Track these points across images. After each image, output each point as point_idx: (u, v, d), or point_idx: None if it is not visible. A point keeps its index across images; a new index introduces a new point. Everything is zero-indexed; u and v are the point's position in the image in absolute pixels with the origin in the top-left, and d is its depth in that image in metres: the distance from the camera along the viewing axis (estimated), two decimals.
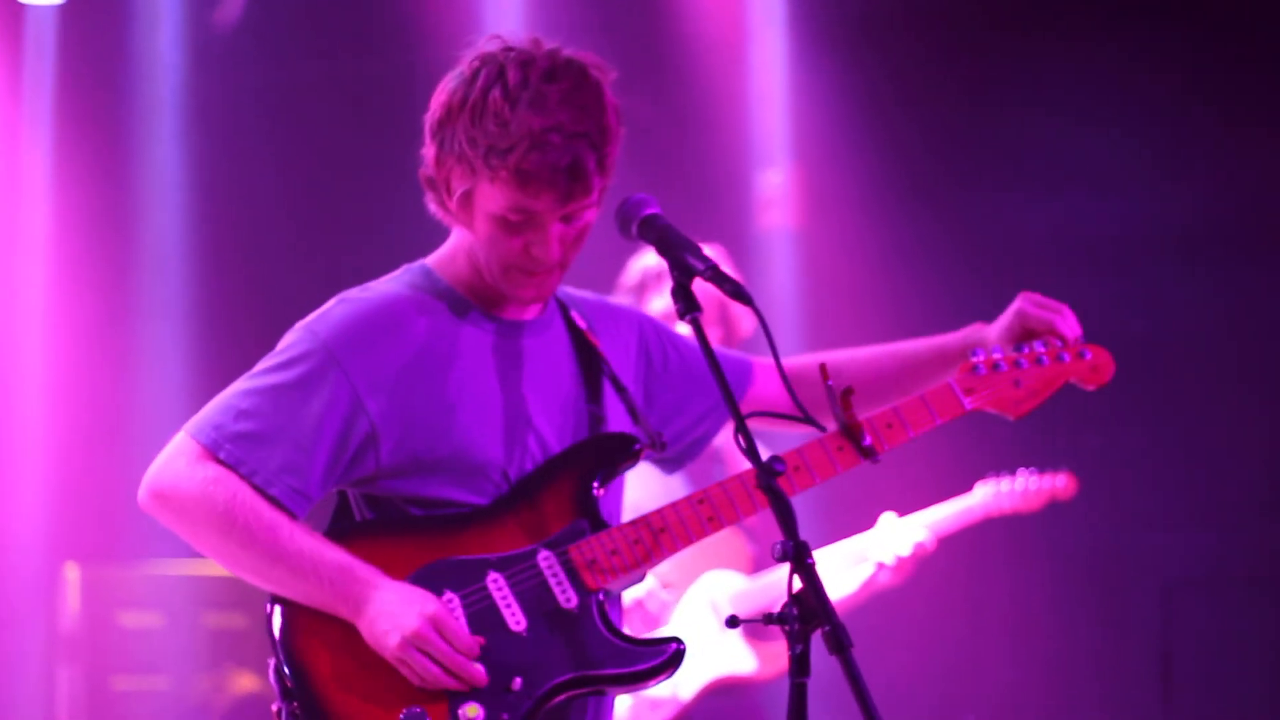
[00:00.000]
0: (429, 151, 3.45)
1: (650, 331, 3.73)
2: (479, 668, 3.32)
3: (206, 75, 8.51)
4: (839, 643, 2.97)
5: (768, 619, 3.06)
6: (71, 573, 7.72)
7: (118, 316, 8.42)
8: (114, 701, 7.65)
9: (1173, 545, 8.36)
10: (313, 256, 8.32)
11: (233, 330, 8.15)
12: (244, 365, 3.50)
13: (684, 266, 3.30)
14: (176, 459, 3.38)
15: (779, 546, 3.05)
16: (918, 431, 3.57)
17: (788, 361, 3.56)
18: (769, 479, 3.12)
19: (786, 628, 3.03)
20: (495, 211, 3.38)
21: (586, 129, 3.35)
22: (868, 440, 3.52)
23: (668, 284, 3.37)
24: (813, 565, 3.03)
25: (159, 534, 8.03)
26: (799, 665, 3.02)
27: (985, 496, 6.34)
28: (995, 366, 3.64)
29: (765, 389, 3.76)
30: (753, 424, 3.24)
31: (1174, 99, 8.11)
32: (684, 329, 3.40)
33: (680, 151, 8.21)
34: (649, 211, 3.39)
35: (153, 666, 7.73)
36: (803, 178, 8.62)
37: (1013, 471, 6.38)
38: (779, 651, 6.15)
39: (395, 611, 3.29)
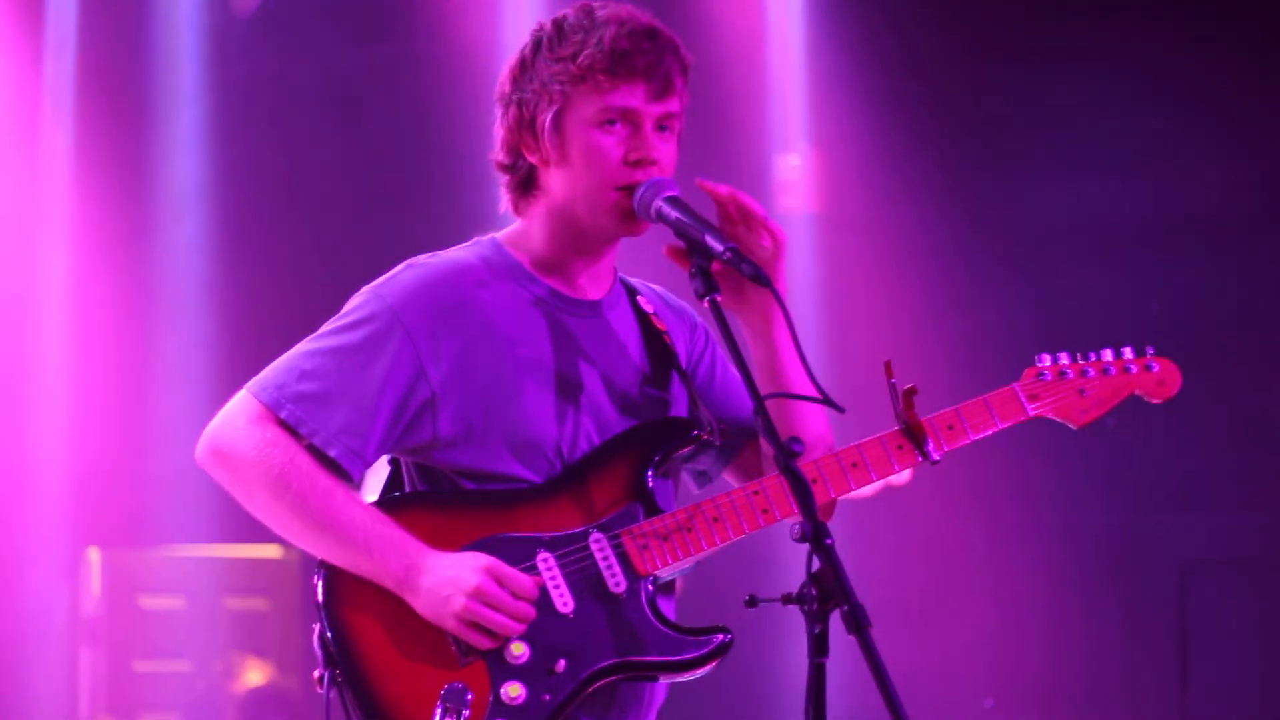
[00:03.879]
0: (507, 119, 3.44)
1: (702, 335, 3.67)
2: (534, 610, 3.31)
3: (226, 60, 8.53)
4: (857, 622, 2.95)
5: (786, 599, 3.06)
6: (94, 557, 7.74)
7: (139, 303, 8.44)
8: (135, 683, 7.68)
9: (1190, 526, 8.37)
10: (334, 244, 8.33)
11: (254, 316, 8.17)
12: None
13: (703, 249, 3.27)
14: (237, 417, 3.36)
15: (797, 527, 3.04)
16: (978, 435, 3.52)
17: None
18: (787, 460, 3.11)
19: (805, 608, 3.02)
20: (591, 116, 3.37)
21: (664, 29, 3.42)
22: (929, 442, 3.48)
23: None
24: (831, 546, 3.01)
25: (180, 519, 8.09)
26: (818, 645, 3.01)
27: None
28: (1061, 374, 3.61)
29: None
30: None
31: (1199, 81, 8.11)
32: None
33: (698, 136, 8.18)
34: (668, 193, 3.36)
35: (174, 649, 7.76)
36: (821, 161, 8.62)
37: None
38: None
39: (452, 576, 3.27)
